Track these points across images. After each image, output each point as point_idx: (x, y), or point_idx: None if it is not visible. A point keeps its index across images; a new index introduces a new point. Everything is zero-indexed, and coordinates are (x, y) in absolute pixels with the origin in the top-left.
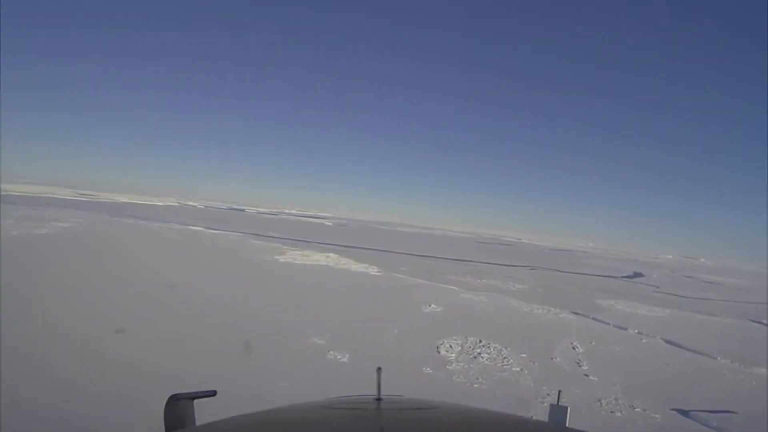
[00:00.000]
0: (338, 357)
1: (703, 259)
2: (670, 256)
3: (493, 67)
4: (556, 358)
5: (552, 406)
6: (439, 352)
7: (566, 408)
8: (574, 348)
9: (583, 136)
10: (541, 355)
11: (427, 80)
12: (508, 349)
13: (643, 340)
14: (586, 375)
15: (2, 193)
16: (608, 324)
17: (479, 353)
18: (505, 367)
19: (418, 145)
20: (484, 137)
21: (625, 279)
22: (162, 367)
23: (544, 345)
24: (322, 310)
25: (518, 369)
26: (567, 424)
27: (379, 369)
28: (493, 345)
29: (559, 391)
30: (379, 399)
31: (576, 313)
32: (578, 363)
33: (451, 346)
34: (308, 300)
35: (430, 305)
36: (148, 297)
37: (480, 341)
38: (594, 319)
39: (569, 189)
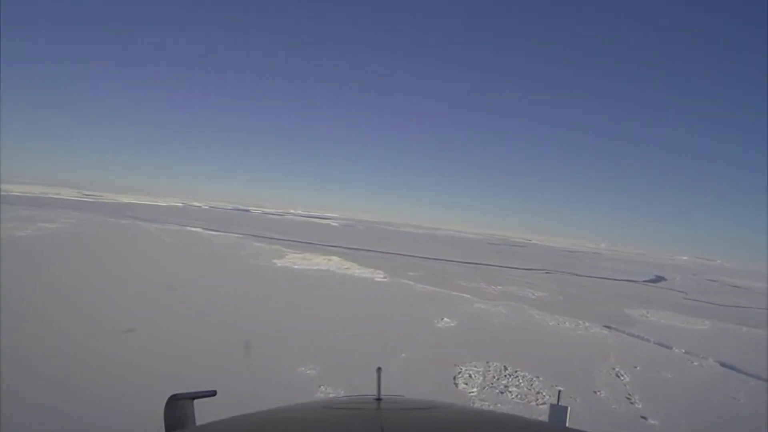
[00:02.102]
0: (331, 395)
1: (719, 261)
2: (685, 258)
3: (497, 67)
4: (600, 391)
5: (552, 405)
6: (456, 385)
7: (566, 408)
8: (618, 376)
9: (589, 138)
10: (582, 386)
11: (433, 81)
12: (540, 378)
13: (695, 363)
14: (644, 417)
15: (3, 193)
16: (648, 341)
17: (506, 386)
18: (540, 406)
19: (425, 146)
20: (490, 138)
21: (647, 283)
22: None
23: (582, 372)
24: (316, 328)
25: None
26: (567, 424)
27: (379, 369)
28: (522, 373)
29: (559, 391)
30: (379, 399)
31: (608, 327)
32: (629, 398)
33: (470, 376)
34: (302, 314)
35: (442, 319)
36: (111, 304)
37: (505, 368)
38: (630, 334)
39: (577, 190)
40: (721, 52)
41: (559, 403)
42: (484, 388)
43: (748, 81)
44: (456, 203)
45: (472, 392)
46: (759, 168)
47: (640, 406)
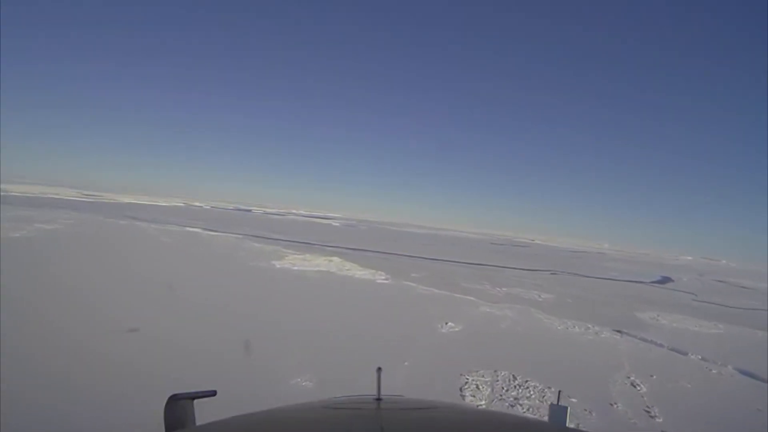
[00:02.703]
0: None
1: (724, 261)
2: (690, 258)
3: (498, 67)
4: (617, 403)
5: (552, 405)
6: (464, 396)
7: (566, 408)
8: (633, 385)
9: (591, 137)
10: (596, 398)
11: (435, 80)
12: (552, 389)
13: (713, 371)
14: None
15: (2, 193)
16: (662, 346)
17: (516, 398)
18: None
19: (427, 146)
20: (492, 137)
21: (655, 284)
22: None
23: (595, 381)
24: (314, 333)
25: (572, 425)
26: (567, 424)
27: (379, 369)
28: (532, 383)
29: (559, 391)
30: (379, 399)
31: (619, 332)
32: (648, 411)
33: (478, 387)
34: (299, 317)
35: (446, 323)
36: (101, 307)
37: (514, 377)
38: (642, 339)
39: (579, 190)
40: (723, 51)
41: (559, 403)
42: (493, 400)
43: (749, 80)
44: (458, 203)
45: (481, 405)
46: (762, 167)
47: (660, 420)
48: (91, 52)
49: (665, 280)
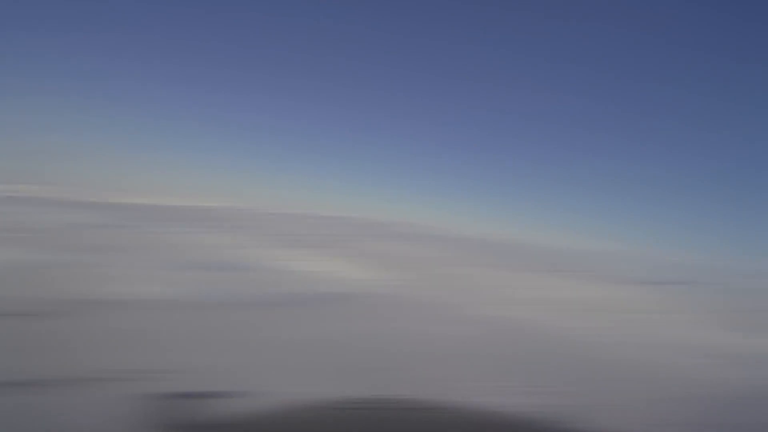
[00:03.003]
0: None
1: (734, 261)
2: (700, 257)
3: (502, 67)
4: (625, 408)
5: (550, 405)
6: (468, 401)
7: (565, 408)
8: (644, 390)
9: (596, 135)
10: (603, 402)
11: (437, 80)
12: (557, 392)
13: (739, 380)
14: None
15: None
16: (679, 351)
17: (521, 402)
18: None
19: (433, 146)
20: (494, 137)
21: (667, 285)
22: None
23: (602, 385)
24: (310, 338)
25: (573, 426)
26: (566, 425)
27: (379, 370)
28: (542, 390)
29: (560, 392)
30: (380, 399)
31: (634, 335)
32: (658, 416)
33: (480, 391)
34: (295, 322)
35: (450, 326)
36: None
37: (524, 384)
38: (659, 344)
39: (586, 188)
40: (725, 50)
41: (560, 404)
42: (497, 405)
43: (746, 80)
44: (458, 203)
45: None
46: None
47: (672, 429)
48: (90, 50)
49: (678, 281)
